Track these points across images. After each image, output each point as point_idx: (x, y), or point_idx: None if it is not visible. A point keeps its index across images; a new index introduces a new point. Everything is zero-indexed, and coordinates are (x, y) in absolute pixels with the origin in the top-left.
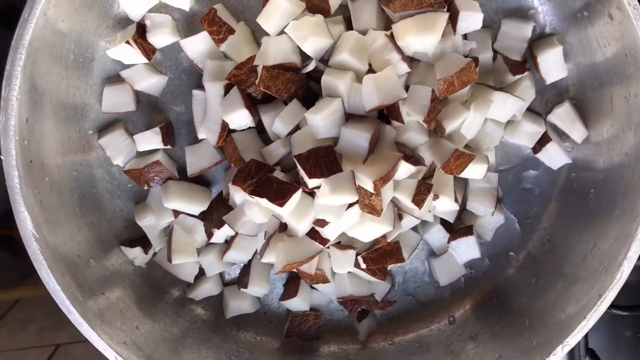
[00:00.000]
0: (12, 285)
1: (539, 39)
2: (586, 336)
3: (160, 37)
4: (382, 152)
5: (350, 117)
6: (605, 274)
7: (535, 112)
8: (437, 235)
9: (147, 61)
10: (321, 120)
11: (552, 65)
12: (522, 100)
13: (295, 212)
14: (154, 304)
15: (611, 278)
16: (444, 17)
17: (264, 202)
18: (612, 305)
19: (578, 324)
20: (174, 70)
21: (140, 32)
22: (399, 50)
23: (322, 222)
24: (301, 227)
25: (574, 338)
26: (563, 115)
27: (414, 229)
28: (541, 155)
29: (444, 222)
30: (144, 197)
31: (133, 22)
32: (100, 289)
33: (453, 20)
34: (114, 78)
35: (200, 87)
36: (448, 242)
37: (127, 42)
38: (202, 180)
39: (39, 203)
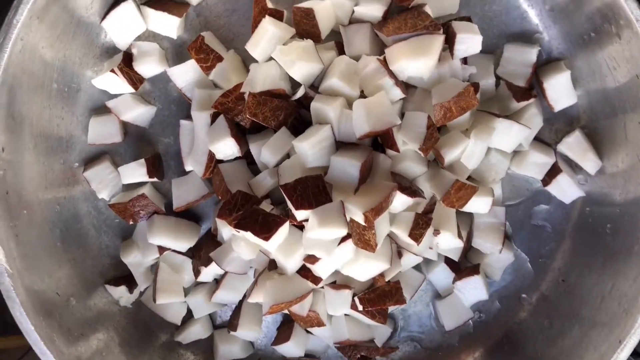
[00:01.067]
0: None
1: (546, 64)
2: None
3: (148, 66)
4: (375, 183)
5: (341, 145)
6: (626, 318)
7: (544, 142)
8: (441, 275)
9: (133, 91)
10: (310, 148)
11: (560, 91)
12: (528, 129)
13: (283, 248)
14: (140, 347)
15: (632, 322)
16: (439, 40)
17: (249, 236)
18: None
19: None
20: (163, 101)
21: (127, 60)
22: (391, 75)
23: (312, 259)
24: (290, 263)
25: None
26: (574, 145)
27: (417, 268)
28: (552, 188)
29: (448, 261)
30: (132, 233)
31: (120, 51)
32: (80, 329)
33: (450, 43)
34: (101, 109)
35: (189, 117)
36: (453, 283)
37: (113, 71)
38: (191, 215)
39: (14, 237)
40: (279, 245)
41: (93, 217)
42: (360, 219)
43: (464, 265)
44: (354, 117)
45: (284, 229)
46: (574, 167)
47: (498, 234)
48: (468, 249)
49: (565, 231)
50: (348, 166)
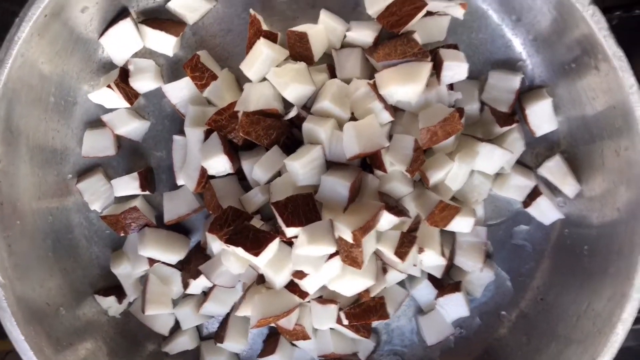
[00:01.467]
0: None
1: (528, 91)
2: None
3: (143, 82)
4: (363, 202)
5: (331, 165)
6: (600, 337)
7: (526, 165)
8: (424, 292)
9: (129, 106)
10: (301, 167)
11: (542, 117)
12: (510, 153)
13: (272, 263)
14: (127, 357)
15: (605, 341)
16: (427, 66)
17: (240, 251)
18: None
19: None
20: (157, 116)
21: (123, 76)
22: (381, 99)
23: (300, 274)
24: (279, 278)
25: None
26: (554, 169)
27: (400, 284)
28: (532, 210)
29: (431, 278)
30: (122, 245)
31: (117, 67)
32: (69, 339)
33: (437, 70)
34: (96, 122)
35: (182, 132)
36: (435, 299)
37: (109, 86)
38: (181, 228)
39: (7, 247)
40: (269, 260)
41: (84, 227)
42: (348, 237)
43: (446, 282)
44: (345, 138)
45: (274, 245)
46: (554, 190)
47: (479, 252)
48: (450, 267)
49: (544, 251)
50: (338, 186)
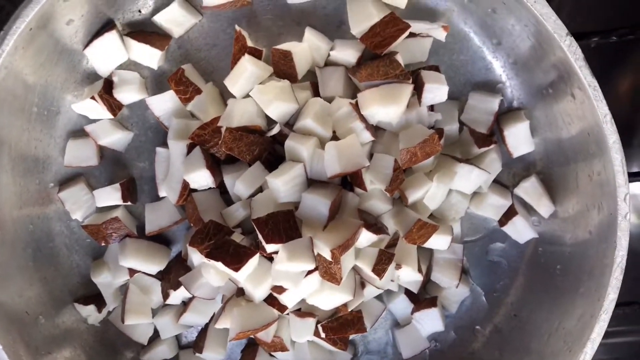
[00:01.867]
0: None
1: (507, 113)
2: None
3: (127, 94)
4: (343, 220)
5: (312, 183)
6: (570, 355)
7: (503, 184)
8: (401, 305)
9: (112, 117)
10: (282, 185)
11: (519, 139)
12: (487, 173)
13: (252, 277)
14: None
15: (575, 359)
16: (408, 88)
17: (220, 265)
18: None
19: None
20: (140, 127)
21: (107, 87)
22: (362, 118)
23: (280, 289)
24: (258, 292)
25: None
26: (530, 190)
27: (378, 297)
28: (507, 229)
29: (408, 293)
30: (103, 254)
31: (101, 78)
32: (48, 347)
33: (419, 91)
34: (79, 132)
35: (165, 144)
36: (412, 313)
37: (93, 98)
38: (162, 239)
39: None
40: (248, 275)
41: (65, 236)
42: (327, 255)
43: (423, 296)
44: (326, 157)
45: (254, 261)
46: (529, 210)
47: (455, 269)
48: (427, 282)
49: (519, 268)
50: (318, 204)
